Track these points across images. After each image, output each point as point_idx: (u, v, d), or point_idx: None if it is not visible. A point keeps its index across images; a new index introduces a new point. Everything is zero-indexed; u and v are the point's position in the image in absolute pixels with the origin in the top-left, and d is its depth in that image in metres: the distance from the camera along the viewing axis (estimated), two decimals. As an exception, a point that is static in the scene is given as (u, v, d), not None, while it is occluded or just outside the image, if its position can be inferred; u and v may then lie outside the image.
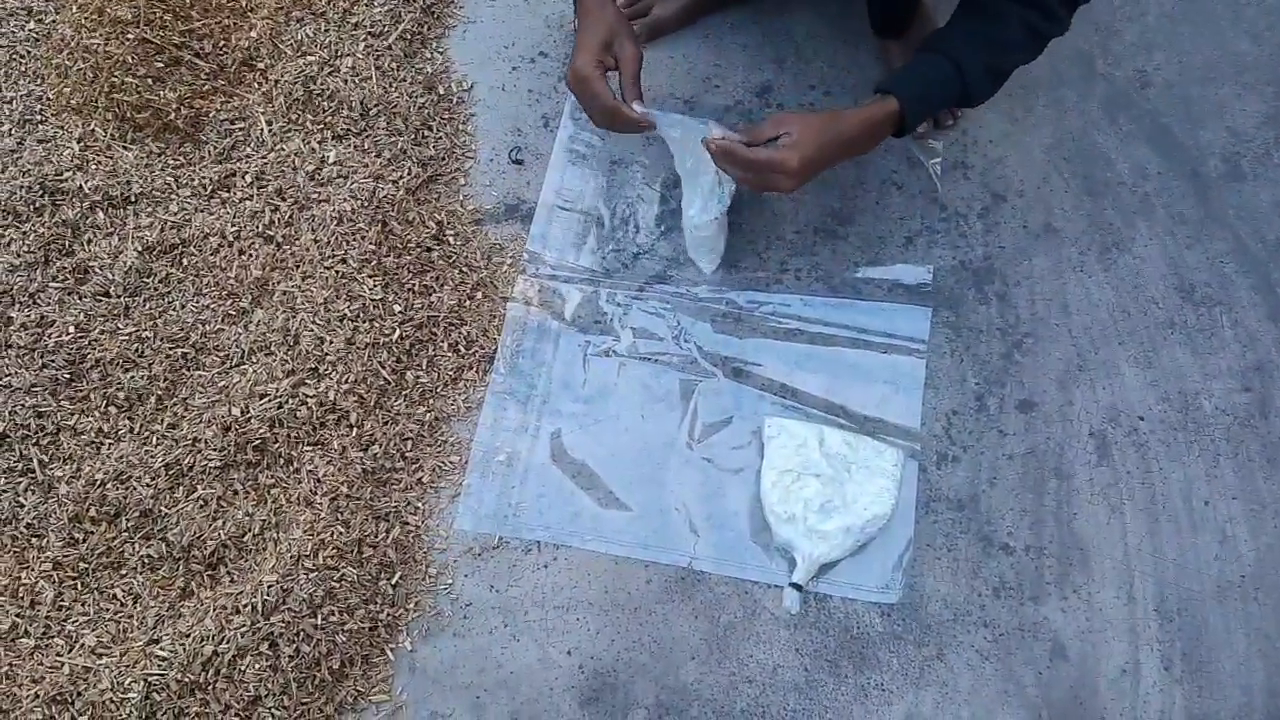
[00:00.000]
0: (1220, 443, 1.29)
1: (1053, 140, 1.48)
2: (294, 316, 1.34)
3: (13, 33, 1.55)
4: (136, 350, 1.34)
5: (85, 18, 1.49)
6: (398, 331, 1.35)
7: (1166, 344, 1.34)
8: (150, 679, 1.15)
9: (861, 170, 1.46)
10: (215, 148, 1.48)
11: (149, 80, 1.48)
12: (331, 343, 1.32)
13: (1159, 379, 1.33)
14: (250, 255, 1.40)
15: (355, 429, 1.30)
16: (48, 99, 1.49)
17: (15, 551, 1.24)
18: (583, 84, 1.22)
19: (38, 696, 1.15)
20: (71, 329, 1.34)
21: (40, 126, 1.47)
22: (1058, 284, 1.39)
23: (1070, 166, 1.46)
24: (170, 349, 1.34)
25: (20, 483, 1.27)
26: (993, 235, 1.42)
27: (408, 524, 1.28)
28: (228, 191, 1.45)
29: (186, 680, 1.15)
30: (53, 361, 1.32)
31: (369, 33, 1.56)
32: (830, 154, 1.18)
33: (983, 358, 1.35)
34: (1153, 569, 1.23)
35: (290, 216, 1.42)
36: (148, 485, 1.25)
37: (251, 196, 1.44)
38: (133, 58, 1.47)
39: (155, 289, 1.38)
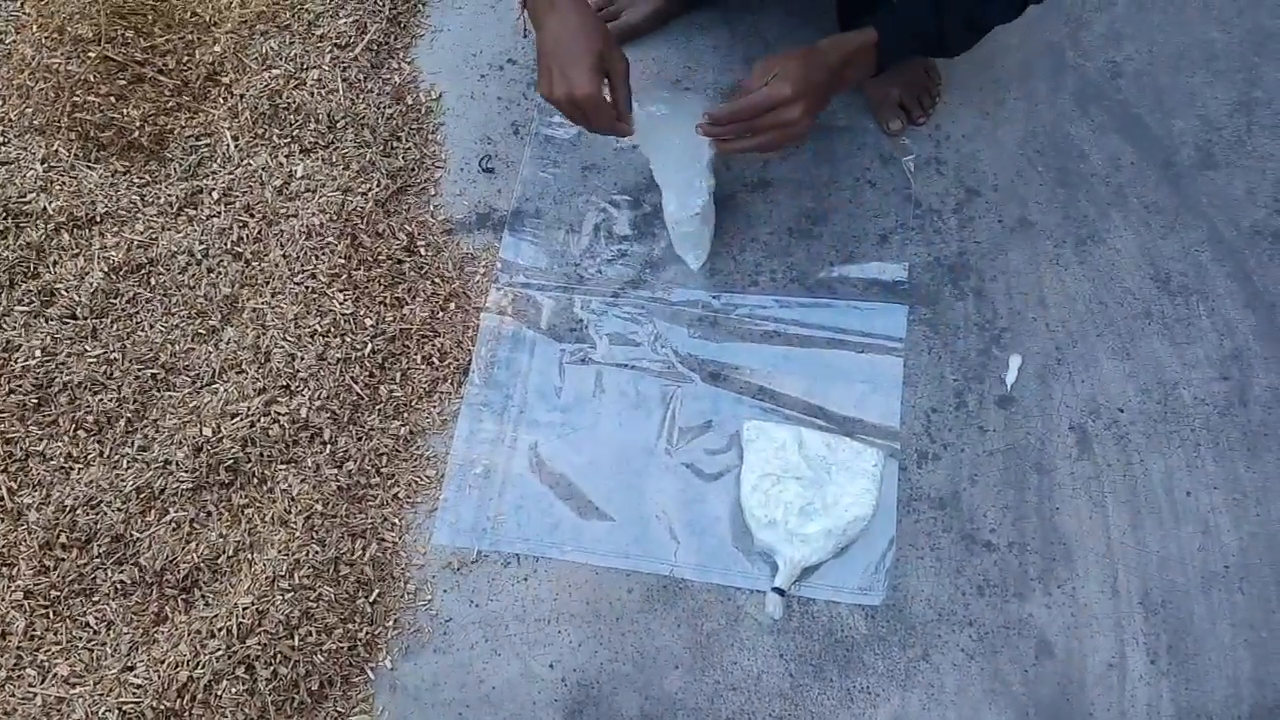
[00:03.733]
0: (1200, 432, 1.28)
1: (1025, 133, 1.47)
2: (264, 333, 1.33)
3: (-28, 54, 1.53)
4: (105, 372, 1.32)
5: (46, 37, 1.47)
6: (370, 345, 1.34)
7: (1144, 335, 1.34)
8: (125, 707, 1.13)
9: (834, 168, 1.46)
10: (181, 165, 1.46)
11: (112, 99, 1.46)
12: (303, 359, 1.31)
13: (1137, 370, 1.32)
14: (219, 273, 1.38)
15: (329, 446, 1.28)
16: (9, 120, 1.47)
17: (-15, 581, 1.22)
18: (589, 105, 1.16)
19: (11, 729, 1.14)
20: (38, 352, 1.32)
21: (2, 148, 1.45)
22: (1034, 278, 1.38)
23: (1043, 159, 1.45)
24: (139, 370, 1.32)
25: (-11, 511, 1.25)
26: (968, 230, 1.42)
27: (385, 540, 1.27)
28: (194, 209, 1.43)
29: (162, 707, 1.13)
30: (19, 386, 1.30)
31: (335, 44, 1.55)
32: (820, 81, 1.17)
33: (961, 354, 1.34)
34: (1136, 562, 1.22)
35: (259, 232, 1.41)
36: (119, 509, 1.23)
37: (219, 213, 1.42)
38: (95, 76, 1.45)
39: (123, 310, 1.36)
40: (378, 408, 1.32)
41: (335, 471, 1.27)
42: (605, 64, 1.18)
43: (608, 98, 1.20)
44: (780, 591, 1.21)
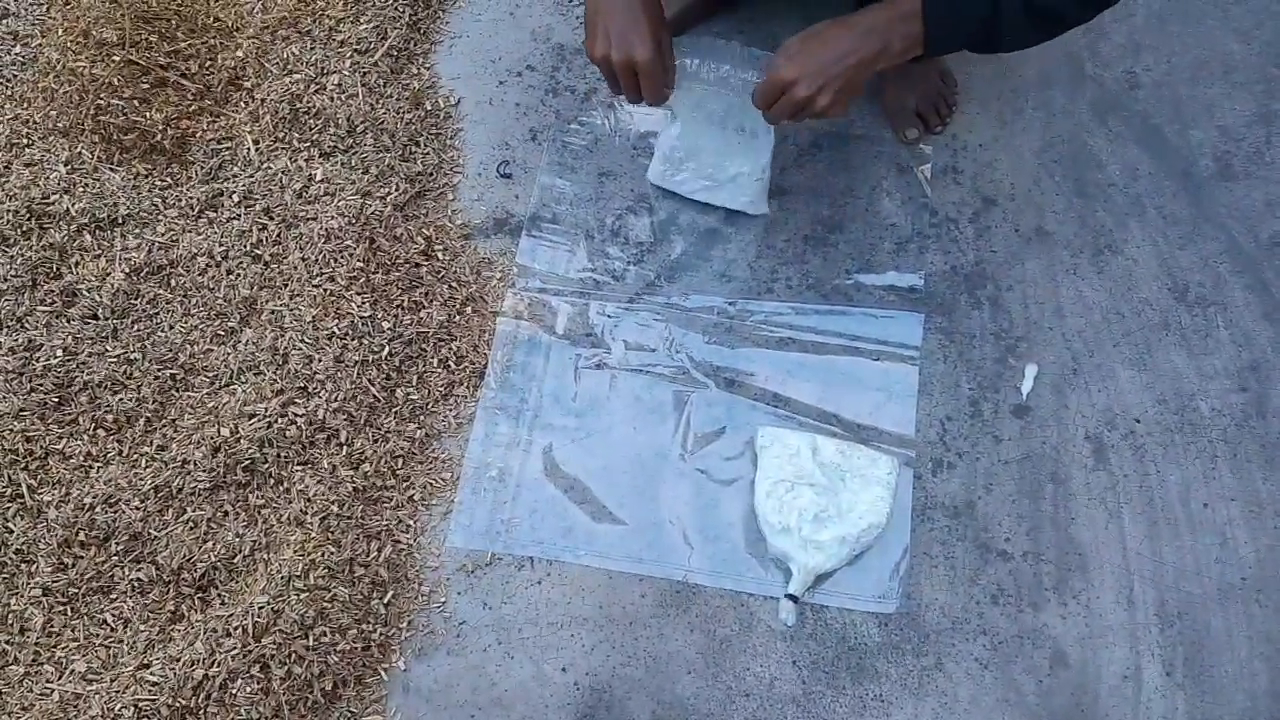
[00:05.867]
0: (1218, 444, 1.27)
1: (1043, 143, 1.47)
2: (282, 335, 1.34)
3: (-1, 57, 1.55)
4: (125, 372, 1.33)
5: (71, 40, 1.49)
6: (387, 348, 1.34)
7: (1161, 345, 1.33)
8: (141, 704, 1.14)
9: (851, 177, 1.46)
10: (202, 168, 1.47)
11: (135, 102, 1.47)
12: (320, 361, 1.32)
13: (1154, 381, 1.31)
14: (238, 275, 1.39)
15: (345, 447, 1.29)
16: (34, 122, 1.49)
17: (4, 578, 1.23)
18: (649, 71, 1.16)
19: (28, 724, 1.14)
20: (59, 352, 1.33)
21: (27, 150, 1.47)
22: (1050, 287, 1.38)
23: (1061, 169, 1.45)
24: (159, 370, 1.33)
25: (9, 508, 1.26)
26: (984, 239, 1.41)
27: (399, 542, 1.27)
28: (215, 211, 1.45)
29: (177, 705, 1.13)
30: (41, 385, 1.31)
31: (355, 50, 1.56)
32: (831, 56, 1.10)
33: (976, 363, 1.34)
34: (1152, 573, 1.21)
35: (278, 235, 1.42)
36: (137, 508, 1.24)
37: (239, 216, 1.43)
38: (119, 80, 1.47)
39: (143, 310, 1.37)
40: (394, 410, 1.33)
41: (351, 473, 1.28)
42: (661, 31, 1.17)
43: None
44: (794, 598, 1.20)
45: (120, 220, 1.42)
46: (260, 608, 1.17)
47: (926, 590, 1.22)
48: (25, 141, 1.48)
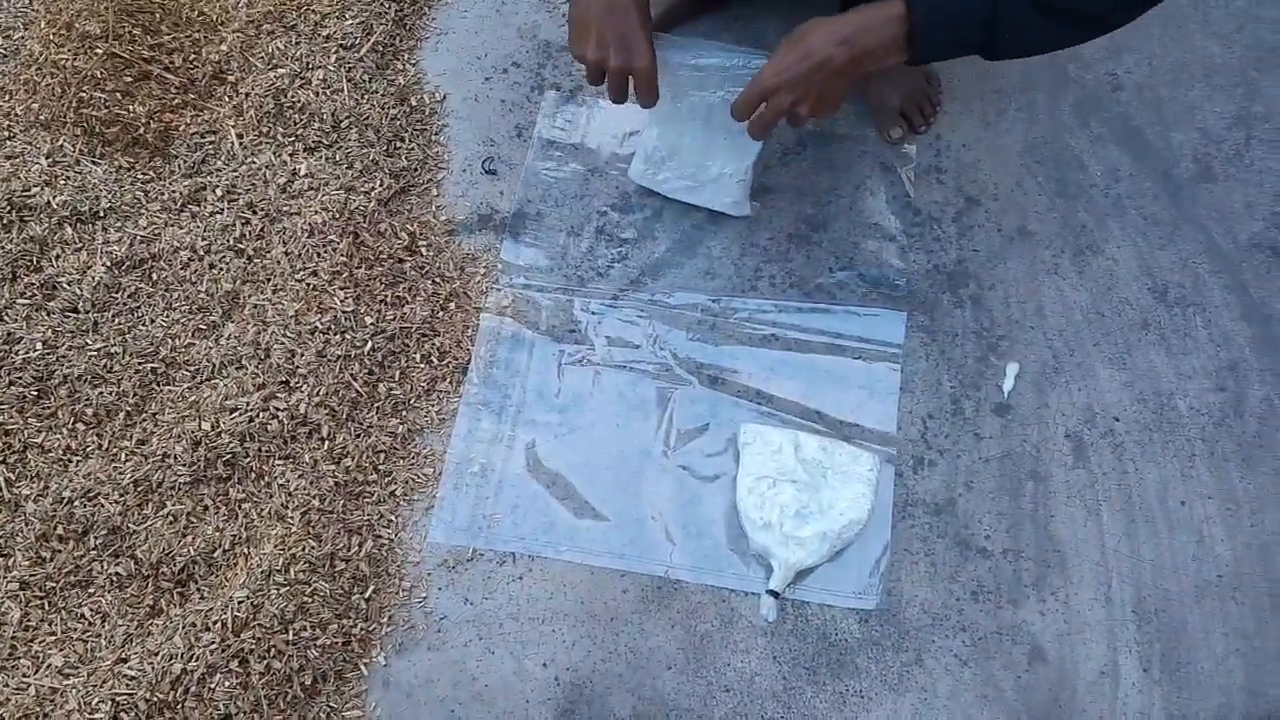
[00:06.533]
0: (1196, 443, 1.28)
1: (1025, 144, 1.48)
2: (265, 330, 1.33)
3: (-19, 49, 1.54)
4: (105, 366, 1.32)
5: (54, 33, 1.48)
6: (370, 343, 1.34)
7: (1141, 345, 1.34)
8: (118, 699, 1.13)
9: (835, 176, 1.46)
10: (185, 162, 1.47)
11: (118, 95, 1.47)
12: (302, 355, 1.31)
13: (1134, 380, 1.32)
14: (220, 269, 1.39)
15: (327, 442, 1.29)
16: (16, 115, 1.48)
17: (-18, 571, 1.22)
18: (645, 76, 1.14)
19: (3, 719, 1.13)
20: (39, 345, 1.32)
21: (8, 143, 1.46)
22: (1032, 286, 1.39)
23: (1043, 169, 1.46)
24: (139, 364, 1.32)
25: (-13, 502, 1.25)
26: (966, 239, 1.42)
27: (381, 537, 1.27)
28: (198, 205, 1.44)
29: (155, 699, 1.13)
30: (20, 378, 1.31)
31: (340, 45, 1.55)
32: (809, 66, 1.06)
33: (958, 361, 1.35)
34: (1130, 570, 1.22)
35: (261, 229, 1.41)
36: (116, 502, 1.24)
37: (222, 210, 1.43)
38: (101, 72, 1.46)
39: (124, 304, 1.37)
40: (376, 405, 1.33)
41: (333, 468, 1.28)
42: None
43: None
44: (774, 594, 1.21)
45: (102, 213, 1.42)
46: (240, 602, 1.17)
47: (907, 587, 1.23)
48: (7, 134, 1.47)
